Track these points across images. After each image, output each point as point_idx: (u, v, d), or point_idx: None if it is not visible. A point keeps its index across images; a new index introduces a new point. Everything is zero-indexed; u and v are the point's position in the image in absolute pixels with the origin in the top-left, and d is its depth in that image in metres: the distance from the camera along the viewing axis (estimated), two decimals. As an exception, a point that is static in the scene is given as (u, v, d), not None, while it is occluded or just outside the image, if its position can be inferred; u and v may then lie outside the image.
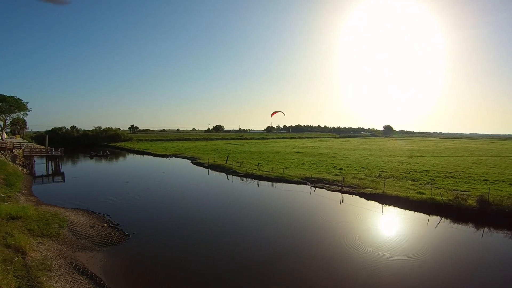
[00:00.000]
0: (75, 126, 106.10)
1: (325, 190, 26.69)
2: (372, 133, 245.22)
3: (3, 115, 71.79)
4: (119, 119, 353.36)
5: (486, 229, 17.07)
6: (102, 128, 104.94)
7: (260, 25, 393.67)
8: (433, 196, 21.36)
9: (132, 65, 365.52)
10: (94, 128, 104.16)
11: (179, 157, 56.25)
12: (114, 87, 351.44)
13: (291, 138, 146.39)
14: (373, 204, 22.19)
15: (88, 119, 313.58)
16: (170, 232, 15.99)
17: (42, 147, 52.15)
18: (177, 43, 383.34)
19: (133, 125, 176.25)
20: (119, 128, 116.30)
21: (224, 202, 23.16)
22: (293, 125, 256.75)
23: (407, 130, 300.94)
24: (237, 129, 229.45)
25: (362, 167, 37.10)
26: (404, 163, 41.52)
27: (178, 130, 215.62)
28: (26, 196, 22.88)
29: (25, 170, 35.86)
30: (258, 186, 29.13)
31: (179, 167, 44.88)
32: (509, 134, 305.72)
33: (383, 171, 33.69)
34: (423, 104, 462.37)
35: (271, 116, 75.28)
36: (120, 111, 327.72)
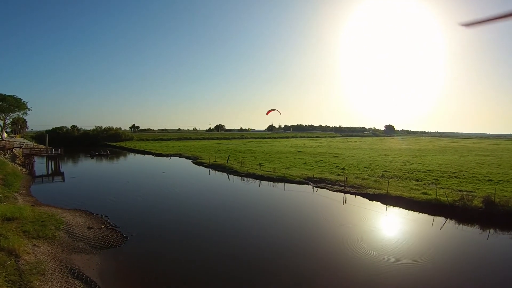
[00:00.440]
0: (76, 126, 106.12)
1: (327, 190, 26.25)
2: (374, 132, 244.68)
3: (3, 115, 71.60)
4: (120, 119, 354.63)
5: (492, 230, 16.69)
6: (103, 127, 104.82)
7: (261, 25, 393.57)
8: (438, 197, 20.92)
9: (133, 64, 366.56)
10: (95, 128, 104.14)
11: (180, 156, 55.94)
12: (115, 87, 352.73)
13: (293, 137, 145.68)
14: (377, 204, 21.76)
15: (89, 118, 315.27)
16: (170, 232, 15.68)
17: (42, 146, 51.80)
18: (178, 43, 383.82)
19: (134, 125, 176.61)
20: (120, 128, 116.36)
21: (224, 202, 22.80)
22: (295, 124, 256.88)
23: (409, 130, 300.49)
24: (239, 128, 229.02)
25: (365, 167, 36.66)
26: (407, 163, 41.06)
27: (179, 129, 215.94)
28: (24, 196, 22.57)
29: (24, 170, 35.56)
30: (260, 186, 28.74)
31: (180, 167, 44.56)
32: (510, 134, 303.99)
33: (386, 171, 33.25)
34: (424, 104, 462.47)
35: (267, 114, 74.95)
36: (121, 111, 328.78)
